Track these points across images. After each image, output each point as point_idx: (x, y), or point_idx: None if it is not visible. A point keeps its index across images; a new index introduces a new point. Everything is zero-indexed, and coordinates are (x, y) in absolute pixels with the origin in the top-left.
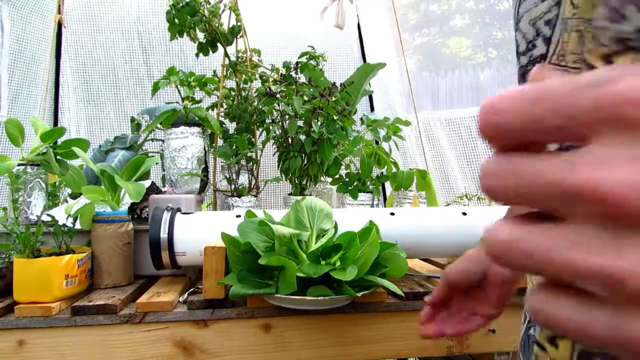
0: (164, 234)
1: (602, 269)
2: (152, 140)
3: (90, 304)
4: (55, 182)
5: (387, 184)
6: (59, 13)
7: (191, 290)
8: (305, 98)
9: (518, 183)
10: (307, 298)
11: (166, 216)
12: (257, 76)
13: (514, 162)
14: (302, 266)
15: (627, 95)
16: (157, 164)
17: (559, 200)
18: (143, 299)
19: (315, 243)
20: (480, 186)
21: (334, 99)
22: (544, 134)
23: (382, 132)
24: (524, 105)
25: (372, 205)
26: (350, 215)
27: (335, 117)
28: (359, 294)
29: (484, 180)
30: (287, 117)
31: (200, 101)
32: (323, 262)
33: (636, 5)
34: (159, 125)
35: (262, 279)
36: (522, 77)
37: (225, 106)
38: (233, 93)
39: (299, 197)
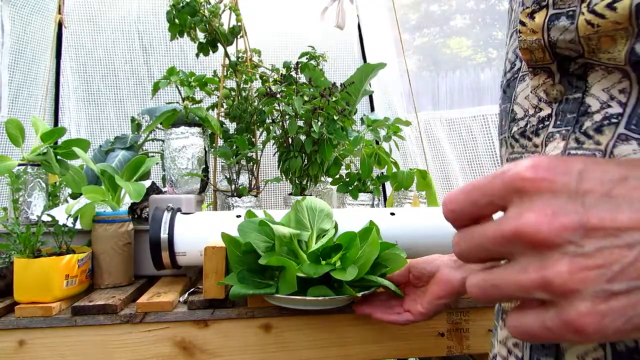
0: (164, 234)
1: (537, 279)
2: (153, 140)
3: (91, 304)
4: (55, 182)
5: (388, 184)
6: (60, 13)
7: (191, 290)
8: (306, 98)
9: (474, 244)
10: (308, 298)
11: (166, 216)
12: (258, 76)
13: (469, 232)
14: (303, 266)
15: (519, 176)
16: (157, 164)
17: (500, 247)
18: (143, 299)
19: (316, 243)
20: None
21: (334, 99)
22: (480, 209)
23: (383, 132)
24: (464, 195)
25: (372, 205)
26: (351, 215)
27: (335, 117)
28: (360, 294)
29: (454, 250)
30: (287, 117)
31: (200, 101)
32: (323, 262)
33: None
34: (159, 126)
35: (262, 279)
36: (508, 86)
37: (225, 106)
38: (233, 93)
39: (299, 197)
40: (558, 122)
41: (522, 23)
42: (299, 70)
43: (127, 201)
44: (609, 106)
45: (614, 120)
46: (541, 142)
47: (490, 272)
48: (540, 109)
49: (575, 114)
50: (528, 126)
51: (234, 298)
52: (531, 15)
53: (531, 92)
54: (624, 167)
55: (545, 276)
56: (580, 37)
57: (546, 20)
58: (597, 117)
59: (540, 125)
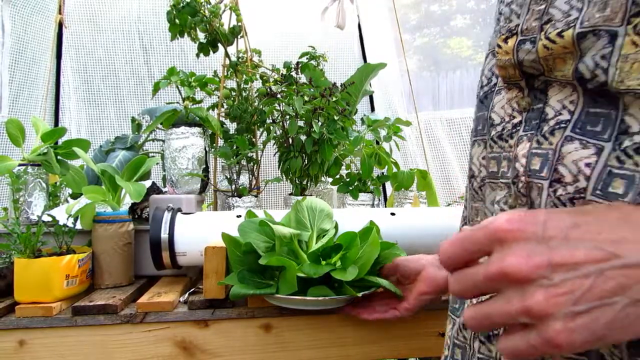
0: (164, 234)
1: (520, 308)
2: (153, 140)
3: (91, 304)
4: (56, 182)
5: (388, 184)
6: (60, 13)
7: (192, 290)
8: (306, 98)
9: (468, 284)
10: (308, 298)
11: (167, 216)
12: (258, 76)
13: (462, 274)
14: (303, 266)
15: (499, 229)
16: (157, 164)
17: (488, 284)
18: (144, 299)
19: (316, 243)
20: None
21: (334, 99)
22: (470, 255)
23: (383, 132)
24: (457, 244)
25: (372, 206)
26: (351, 215)
27: (335, 118)
28: (360, 294)
29: (450, 289)
30: (287, 117)
31: (200, 101)
32: (323, 262)
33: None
34: (159, 126)
35: (262, 279)
36: (485, 97)
37: (225, 106)
38: (234, 93)
39: (300, 197)
40: (526, 128)
41: (499, 46)
42: (299, 70)
43: (127, 201)
44: (561, 114)
45: (563, 125)
46: (514, 143)
47: (482, 305)
48: (514, 117)
49: (537, 121)
50: (504, 131)
51: (234, 298)
52: (505, 40)
53: (506, 103)
54: (576, 215)
55: (527, 304)
56: (540, 58)
57: (516, 44)
58: (552, 123)
59: (514, 130)
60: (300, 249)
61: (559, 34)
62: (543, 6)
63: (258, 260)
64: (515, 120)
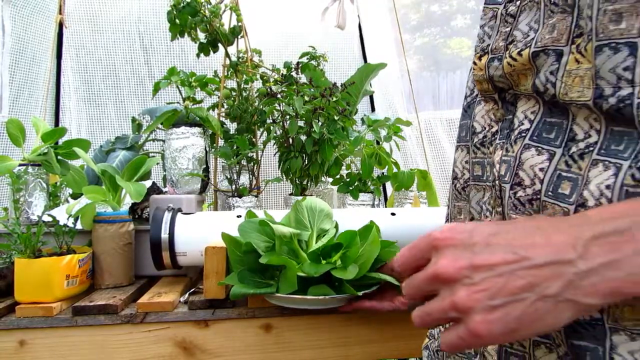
0: (164, 234)
1: (449, 303)
2: (153, 140)
3: (91, 304)
4: (56, 183)
5: (388, 184)
6: (60, 13)
7: (192, 290)
8: (306, 98)
9: (413, 286)
10: (308, 297)
11: (167, 216)
12: (258, 76)
13: (411, 278)
14: (303, 265)
15: (434, 238)
16: (158, 164)
17: (427, 285)
18: (144, 299)
19: (316, 243)
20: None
21: (334, 99)
22: (417, 261)
23: (383, 132)
24: (408, 252)
25: (373, 206)
26: (351, 215)
27: (336, 118)
28: (360, 293)
29: (404, 291)
30: (287, 117)
31: (201, 101)
32: (324, 262)
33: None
34: (159, 126)
35: (262, 279)
36: (469, 107)
37: (226, 106)
38: (234, 93)
39: (300, 198)
40: (500, 136)
41: (475, 63)
42: (299, 70)
43: (127, 201)
44: (523, 124)
45: (523, 134)
46: (492, 150)
47: (424, 305)
48: (492, 126)
49: (508, 130)
50: (485, 139)
51: (234, 298)
52: (479, 58)
53: (485, 113)
54: (498, 225)
55: (453, 300)
56: (506, 74)
57: (487, 62)
58: (516, 132)
59: (492, 138)
60: (300, 248)
61: (519, 53)
62: (508, 28)
63: (258, 260)
64: (493, 130)
